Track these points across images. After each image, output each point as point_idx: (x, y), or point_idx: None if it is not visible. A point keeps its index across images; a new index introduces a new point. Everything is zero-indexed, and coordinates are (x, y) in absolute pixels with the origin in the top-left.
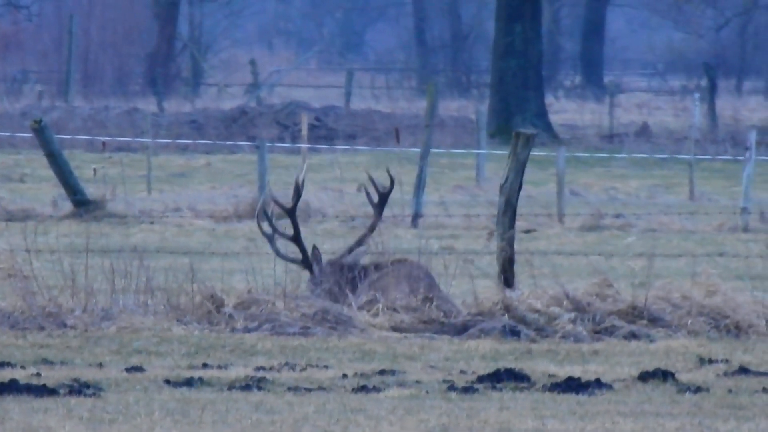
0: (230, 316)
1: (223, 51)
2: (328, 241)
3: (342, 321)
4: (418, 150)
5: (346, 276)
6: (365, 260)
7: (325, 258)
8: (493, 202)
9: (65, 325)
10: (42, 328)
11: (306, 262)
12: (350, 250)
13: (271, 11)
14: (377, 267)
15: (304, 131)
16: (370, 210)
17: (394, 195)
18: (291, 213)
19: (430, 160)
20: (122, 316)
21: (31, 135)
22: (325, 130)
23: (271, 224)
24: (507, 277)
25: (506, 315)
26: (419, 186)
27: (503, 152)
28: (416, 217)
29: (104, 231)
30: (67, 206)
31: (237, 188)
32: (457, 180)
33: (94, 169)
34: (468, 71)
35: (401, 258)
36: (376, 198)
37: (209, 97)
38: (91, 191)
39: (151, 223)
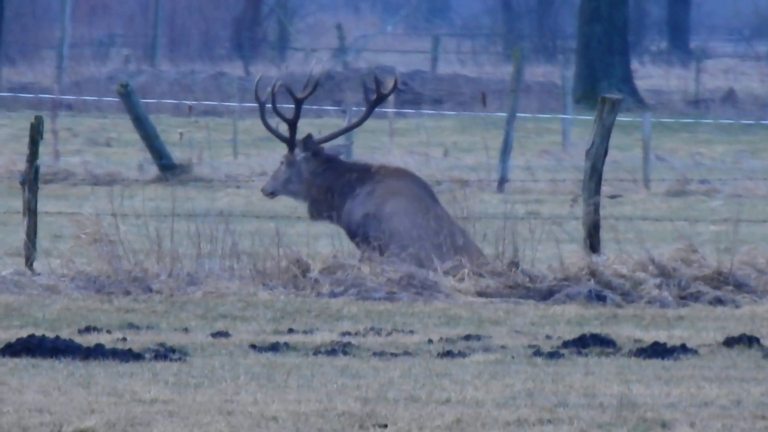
0: (316, 280)
1: (309, 15)
2: None
3: (427, 286)
4: (504, 115)
5: (323, 165)
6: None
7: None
8: (578, 167)
9: (151, 290)
10: (128, 293)
11: (289, 142)
12: (327, 139)
13: None
14: (370, 174)
15: (391, 96)
16: (457, 174)
17: (480, 159)
18: (299, 102)
19: (516, 125)
20: (208, 281)
21: (117, 99)
22: (412, 95)
23: (273, 101)
24: (592, 243)
25: (592, 280)
26: (505, 150)
27: (589, 117)
28: (502, 181)
29: (190, 195)
30: (153, 170)
31: None
32: (543, 145)
33: (180, 134)
34: (554, 36)
35: (397, 169)
36: (373, 96)
37: (296, 61)
38: (177, 155)
39: (237, 187)
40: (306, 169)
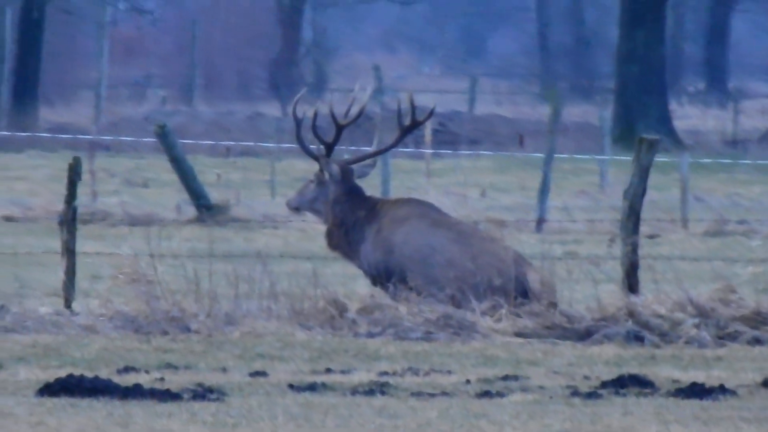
0: (353, 321)
1: (346, 56)
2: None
3: (465, 326)
4: (542, 155)
5: (346, 195)
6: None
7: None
8: (616, 207)
9: (189, 330)
10: (166, 333)
11: (320, 161)
12: (358, 160)
13: (394, 16)
14: (375, 211)
15: (428, 136)
16: (494, 214)
17: (518, 199)
18: (340, 128)
19: (554, 165)
20: (245, 321)
21: (154, 139)
22: (449, 135)
23: (314, 124)
24: (630, 283)
25: (630, 320)
26: (543, 191)
27: (627, 158)
28: (540, 221)
29: (227, 236)
30: (191, 211)
31: None
32: (581, 185)
33: (218, 174)
34: (591, 77)
35: (398, 199)
36: (407, 122)
37: (333, 101)
38: (214, 196)
39: (275, 227)
40: (332, 192)
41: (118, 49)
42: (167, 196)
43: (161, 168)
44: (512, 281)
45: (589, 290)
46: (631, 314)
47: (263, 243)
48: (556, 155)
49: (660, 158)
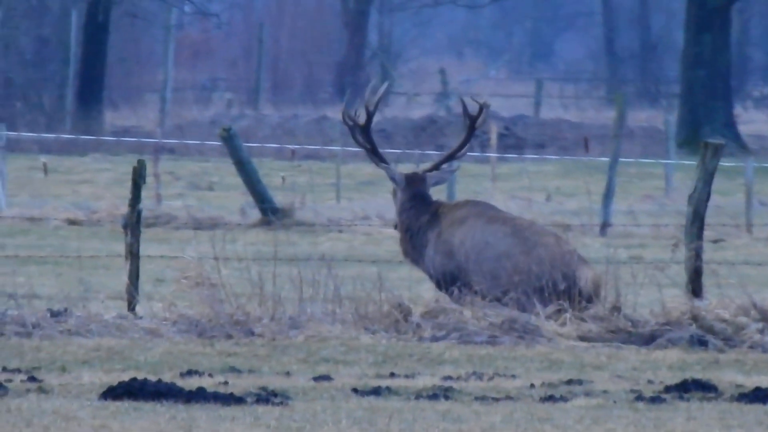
0: (418, 325)
1: (412, 60)
2: None
3: (529, 330)
4: (607, 159)
5: (410, 201)
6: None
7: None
8: (681, 211)
9: (252, 334)
10: (229, 336)
11: (375, 155)
12: (436, 166)
13: (461, 20)
14: (436, 215)
15: (494, 140)
16: (559, 219)
17: (583, 203)
18: (364, 129)
19: (619, 170)
20: (310, 325)
21: (220, 143)
22: (514, 139)
23: (351, 118)
24: (694, 287)
25: (694, 325)
26: (608, 195)
27: (692, 162)
28: (605, 226)
29: (292, 239)
30: (255, 214)
31: None
32: (646, 189)
33: (283, 177)
34: (657, 81)
35: (457, 202)
36: (468, 121)
37: (398, 105)
38: (279, 199)
39: (340, 231)
40: (399, 200)
41: (184, 52)
42: (232, 200)
43: (226, 171)
44: (563, 276)
45: (653, 295)
46: (695, 319)
47: (328, 246)
48: (621, 159)
49: (725, 163)
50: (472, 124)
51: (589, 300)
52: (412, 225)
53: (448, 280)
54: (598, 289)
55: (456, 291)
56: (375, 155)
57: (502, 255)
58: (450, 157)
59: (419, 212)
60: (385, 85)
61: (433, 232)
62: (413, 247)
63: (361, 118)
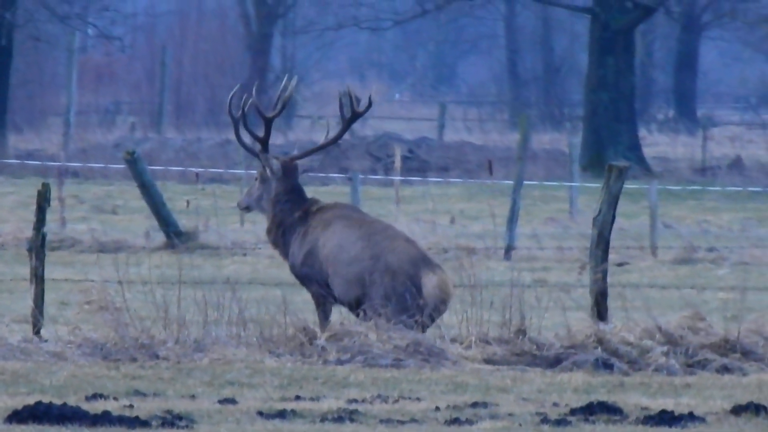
0: (323, 348)
1: (315, 83)
2: None
3: (434, 353)
4: (511, 182)
5: (287, 194)
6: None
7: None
8: (585, 234)
9: (157, 357)
10: (134, 360)
11: (261, 157)
12: (303, 155)
13: (364, 43)
14: (306, 213)
15: (398, 163)
16: (464, 242)
17: (487, 226)
18: (268, 122)
19: (523, 193)
20: (215, 348)
21: (123, 166)
22: (418, 162)
23: (245, 120)
24: (600, 310)
25: (599, 348)
26: (512, 218)
27: (596, 185)
28: (509, 249)
29: (197, 262)
30: (160, 238)
31: None
32: (550, 212)
33: (187, 201)
34: (560, 104)
35: (327, 204)
36: (349, 114)
37: (302, 128)
38: (183, 223)
39: (244, 254)
40: (273, 189)
41: (88, 75)
42: (136, 223)
43: (130, 195)
44: (406, 280)
45: (558, 318)
46: (600, 342)
47: (232, 270)
48: (525, 182)
49: (629, 185)
50: (353, 119)
51: (436, 307)
52: (285, 219)
53: (308, 279)
54: (444, 295)
55: (315, 288)
56: (264, 145)
57: (354, 260)
58: (321, 148)
59: (294, 208)
60: (295, 79)
61: (300, 229)
62: (284, 242)
63: (269, 111)
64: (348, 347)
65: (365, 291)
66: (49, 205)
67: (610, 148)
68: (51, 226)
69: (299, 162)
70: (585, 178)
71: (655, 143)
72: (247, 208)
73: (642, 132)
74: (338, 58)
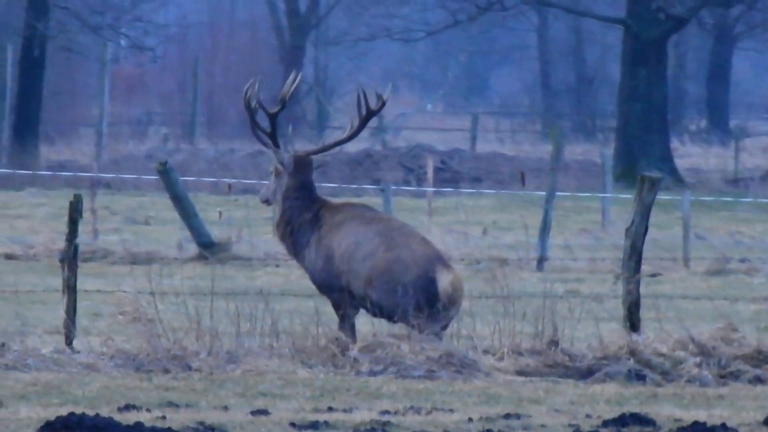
0: (355, 359)
1: (347, 94)
2: None
3: (467, 364)
4: (543, 193)
5: (297, 191)
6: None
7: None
8: (618, 245)
9: (190, 368)
10: (167, 371)
11: (273, 151)
12: (320, 151)
13: (396, 54)
14: (317, 217)
15: (430, 174)
16: (496, 253)
17: (520, 237)
18: (272, 117)
19: (556, 204)
20: (247, 359)
21: (156, 177)
22: (450, 173)
23: (252, 115)
24: (632, 321)
25: (631, 359)
26: (544, 229)
27: (628, 196)
28: (541, 260)
29: (229, 273)
30: (192, 249)
31: None
32: (582, 223)
33: (219, 212)
34: (593, 115)
35: (336, 205)
36: (364, 112)
37: (334, 139)
38: (216, 234)
39: (276, 265)
40: (284, 183)
41: (120, 86)
42: (169, 234)
43: (163, 206)
44: (420, 278)
45: (590, 329)
46: (633, 353)
47: (265, 281)
48: (557, 193)
49: (662, 196)
50: (368, 116)
51: (447, 306)
52: (293, 218)
53: (328, 286)
54: (457, 294)
55: (337, 294)
56: (273, 140)
57: (368, 255)
58: (337, 144)
59: (303, 207)
60: (299, 75)
61: (314, 235)
62: (293, 241)
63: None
64: (381, 358)
65: (379, 284)
66: (81, 217)
67: (642, 159)
68: (83, 237)
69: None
70: (617, 189)
71: (688, 154)
72: (267, 201)
73: (674, 143)
74: (370, 68)
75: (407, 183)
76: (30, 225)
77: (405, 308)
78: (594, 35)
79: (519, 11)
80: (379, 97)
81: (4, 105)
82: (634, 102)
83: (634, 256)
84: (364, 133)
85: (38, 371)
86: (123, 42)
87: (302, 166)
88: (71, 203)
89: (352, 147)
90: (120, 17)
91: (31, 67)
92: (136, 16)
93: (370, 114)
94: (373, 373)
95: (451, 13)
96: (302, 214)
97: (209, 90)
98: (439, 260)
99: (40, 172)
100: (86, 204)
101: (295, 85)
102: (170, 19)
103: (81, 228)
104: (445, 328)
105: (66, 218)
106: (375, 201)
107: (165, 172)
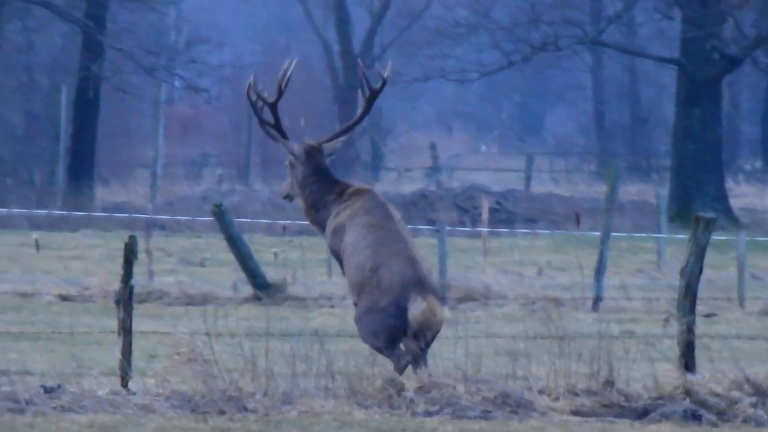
0: (411, 400)
1: (402, 135)
2: (508, 324)
3: (522, 405)
4: (598, 234)
5: (312, 175)
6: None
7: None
8: (673, 285)
9: (246, 409)
10: (223, 412)
11: (281, 143)
12: (331, 139)
13: (450, 95)
14: (347, 196)
15: (485, 215)
16: (551, 293)
17: (575, 278)
18: (273, 107)
19: (610, 244)
20: (303, 400)
21: (211, 219)
22: (505, 214)
23: (254, 106)
24: (687, 361)
25: (687, 399)
26: (599, 269)
27: (683, 236)
28: (597, 300)
29: (284, 314)
30: (247, 290)
31: None
32: (637, 264)
33: (275, 253)
34: (647, 155)
35: (366, 191)
36: (367, 93)
37: (389, 180)
38: (271, 275)
39: (332, 306)
40: (300, 173)
41: (174, 127)
42: (224, 275)
43: (218, 247)
44: (393, 301)
45: (646, 369)
46: (688, 393)
47: (320, 322)
48: (612, 234)
49: (716, 237)
50: (372, 97)
51: (418, 333)
52: (317, 200)
53: (338, 257)
54: (429, 322)
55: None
56: (278, 131)
57: (358, 266)
58: (347, 130)
59: (324, 189)
60: (294, 61)
61: (334, 211)
62: (320, 218)
63: (270, 97)
64: (436, 399)
65: (361, 302)
66: (136, 258)
67: (697, 199)
68: (139, 278)
69: (326, 146)
70: (672, 230)
71: (743, 194)
72: (288, 197)
73: (729, 183)
74: (424, 109)
75: (462, 223)
76: (85, 266)
77: (371, 328)
78: (648, 75)
79: (573, 51)
80: (381, 75)
81: (59, 146)
82: (688, 142)
83: (689, 296)
84: (419, 173)
85: (94, 413)
86: (177, 83)
87: (314, 154)
88: (126, 244)
89: (406, 188)
90: (175, 58)
91: (86, 109)
92: (191, 57)
93: (374, 94)
94: (428, 414)
95: (506, 53)
96: (324, 196)
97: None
98: (417, 286)
99: (95, 214)
100: (141, 245)
101: (291, 71)
102: (225, 60)
103: (136, 269)
104: (426, 347)
105: (121, 259)
106: (430, 241)
107: (220, 214)
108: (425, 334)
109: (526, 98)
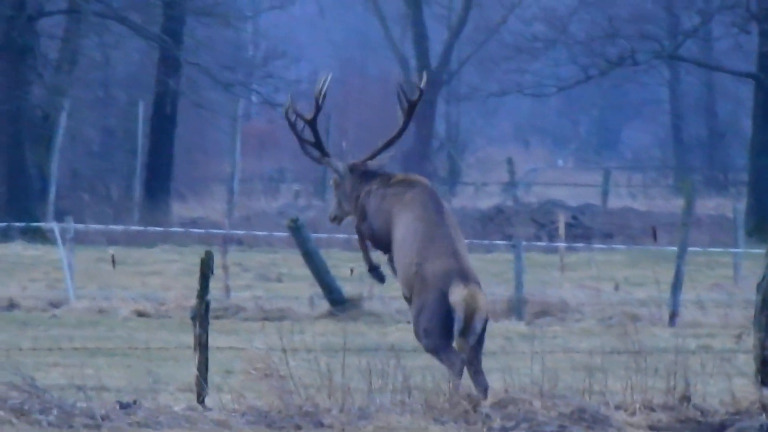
0: (487, 415)
1: (479, 150)
2: (585, 339)
3: (599, 420)
4: (675, 248)
5: (360, 177)
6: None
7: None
8: (750, 300)
9: (322, 425)
10: (299, 428)
11: (323, 161)
12: (374, 155)
13: (527, 109)
14: (395, 182)
15: (562, 230)
16: (628, 308)
17: (651, 293)
18: (312, 124)
19: (687, 259)
20: (379, 416)
21: (287, 234)
22: (582, 229)
23: (293, 125)
24: (763, 377)
25: (763, 414)
26: (676, 284)
27: (761, 251)
28: (673, 315)
29: (360, 330)
30: (324, 305)
31: (494, 287)
32: (714, 278)
33: (351, 269)
34: (725, 169)
35: (417, 181)
36: (405, 105)
37: (466, 195)
38: (347, 290)
39: (408, 322)
40: (347, 188)
41: (251, 143)
42: (300, 291)
43: (294, 262)
44: (437, 293)
45: (722, 384)
46: (765, 408)
47: (396, 337)
48: (689, 248)
49: None
50: (411, 109)
51: (465, 320)
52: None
53: (376, 239)
54: (471, 307)
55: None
56: (319, 148)
57: (409, 264)
58: (388, 145)
59: (369, 182)
60: (329, 75)
61: (379, 192)
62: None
63: (308, 113)
64: (512, 414)
65: (412, 302)
66: (212, 273)
67: None
68: (215, 294)
69: (370, 163)
70: (750, 244)
71: None
72: (336, 218)
73: None
74: (501, 124)
75: (538, 238)
76: (162, 282)
77: (428, 328)
78: (726, 89)
79: (650, 66)
80: (417, 87)
81: (136, 162)
82: (765, 156)
83: (766, 311)
84: (496, 188)
85: (170, 428)
86: (254, 98)
87: (357, 169)
88: (203, 260)
89: (483, 203)
90: (251, 73)
91: (163, 124)
92: (268, 72)
93: (412, 106)
94: (504, 429)
95: (583, 68)
96: (370, 183)
97: (340, 145)
98: (459, 274)
99: (172, 229)
100: (218, 261)
101: (326, 85)
102: (302, 75)
103: (213, 285)
104: (479, 345)
105: (198, 275)
106: (506, 257)
107: (296, 229)
108: (469, 325)
109: (603, 112)
